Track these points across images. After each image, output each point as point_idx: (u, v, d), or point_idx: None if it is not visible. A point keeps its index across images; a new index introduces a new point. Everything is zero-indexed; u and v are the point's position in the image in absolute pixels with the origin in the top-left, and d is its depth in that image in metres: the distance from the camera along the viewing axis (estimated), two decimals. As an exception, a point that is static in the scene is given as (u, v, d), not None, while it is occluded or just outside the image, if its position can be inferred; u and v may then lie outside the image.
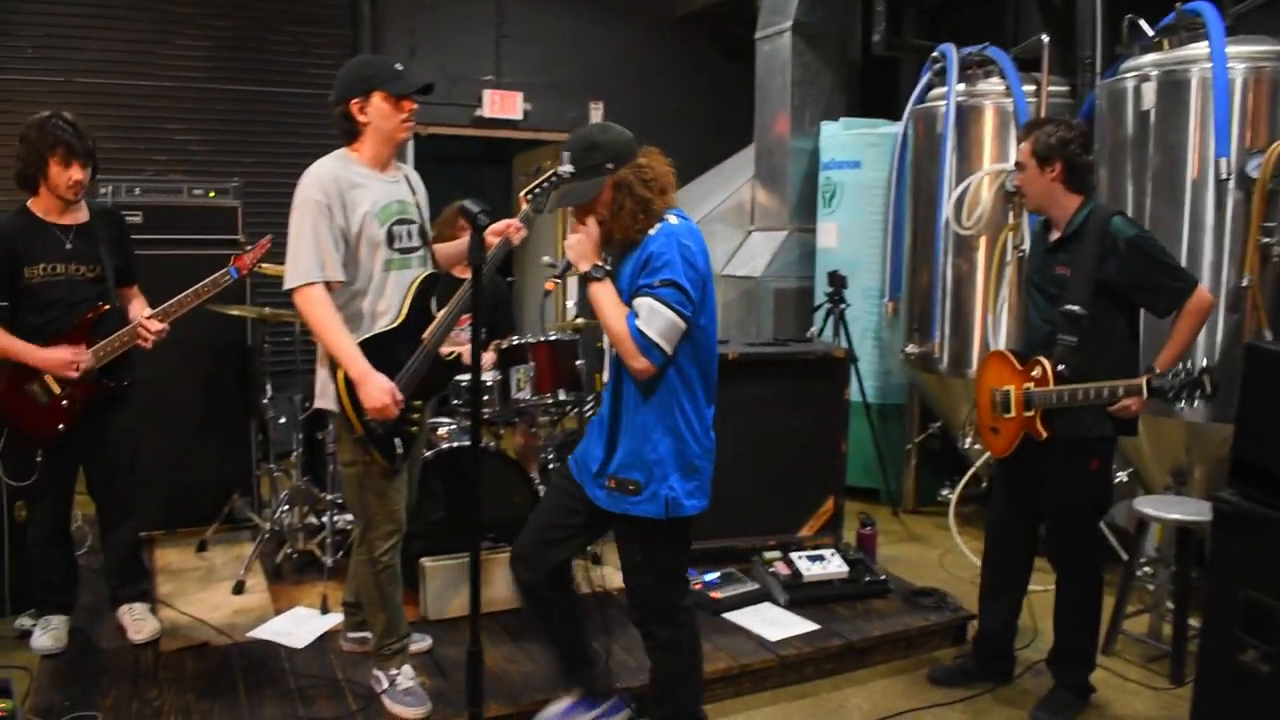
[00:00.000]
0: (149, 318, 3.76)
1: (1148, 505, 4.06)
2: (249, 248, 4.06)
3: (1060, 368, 3.39)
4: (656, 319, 2.73)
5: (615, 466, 2.93)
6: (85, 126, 3.73)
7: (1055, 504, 3.53)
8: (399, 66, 3.29)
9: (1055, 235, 3.51)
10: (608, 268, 2.88)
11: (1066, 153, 3.41)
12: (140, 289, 4.03)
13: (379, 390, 3.10)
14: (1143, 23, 4.59)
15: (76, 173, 3.65)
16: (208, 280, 3.85)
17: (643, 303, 2.75)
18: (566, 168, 2.87)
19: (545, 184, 3.48)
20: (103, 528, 4.04)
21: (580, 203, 2.89)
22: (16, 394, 3.65)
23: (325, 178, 3.18)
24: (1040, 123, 3.58)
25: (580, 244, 2.88)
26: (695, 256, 2.81)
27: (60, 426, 3.71)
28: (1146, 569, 4.25)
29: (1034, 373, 3.46)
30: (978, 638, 3.93)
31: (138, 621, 3.95)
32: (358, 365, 3.10)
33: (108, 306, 3.80)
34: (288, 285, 3.17)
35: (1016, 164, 3.55)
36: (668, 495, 2.89)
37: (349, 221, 3.19)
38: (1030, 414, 3.45)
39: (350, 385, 3.14)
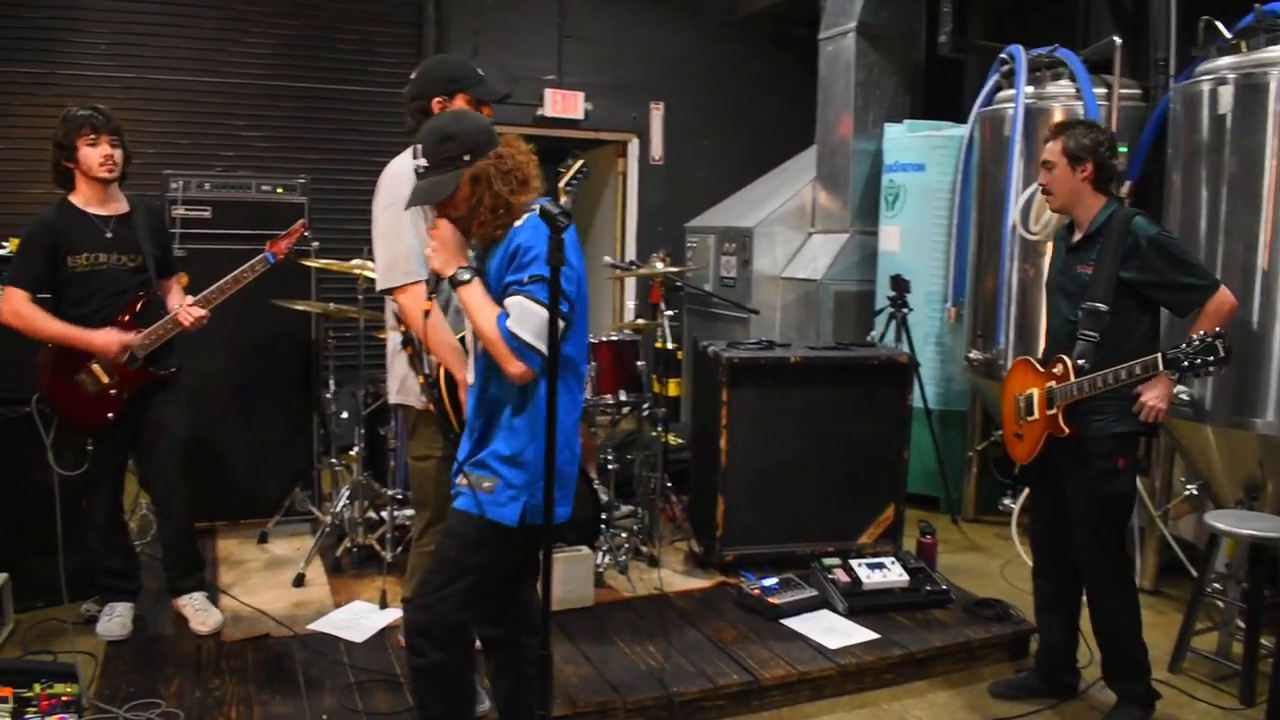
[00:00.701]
0: (191, 304, 3.83)
1: (1219, 520, 3.96)
2: (282, 233, 4.10)
3: (1081, 362, 3.39)
4: (530, 319, 2.48)
5: (475, 461, 2.67)
6: (109, 110, 3.80)
7: (1084, 505, 3.47)
8: (481, 72, 3.34)
9: (1078, 236, 3.53)
10: (475, 265, 2.65)
11: (1098, 154, 3.44)
12: (204, 283, 4.08)
13: None
14: (1219, 24, 4.47)
15: (106, 147, 3.72)
16: (245, 266, 3.93)
17: (513, 302, 2.51)
18: (421, 162, 2.64)
19: (578, 175, 3.51)
20: (159, 518, 4.12)
21: (437, 200, 2.63)
22: (66, 384, 3.73)
23: (413, 174, 3.18)
24: (1071, 124, 3.61)
25: (439, 250, 2.63)
26: (568, 250, 2.51)
27: (109, 415, 3.78)
28: (1216, 585, 4.14)
29: (1055, 370, 3.48)
30: (1039, 651, 3.87)
31: (200, 613, 4.00)
32: (463, 370, 3.03)
33: (150, 295, 3.87)
34: (388, 284, 3.14)
35: (1044, 163, 3.53)
36: (528, 502, 2.62)
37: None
38: (1052, 412, 3.46)
39: (452, 384, 3.07)
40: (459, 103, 3.23)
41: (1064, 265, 3.58)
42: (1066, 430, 3.43)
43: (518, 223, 2.59)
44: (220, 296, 3.89)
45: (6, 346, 3.88)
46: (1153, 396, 3.35)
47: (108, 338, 3.69)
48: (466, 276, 2.58)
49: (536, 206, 2.52)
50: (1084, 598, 3.71)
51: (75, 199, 3.79)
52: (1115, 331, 3.37)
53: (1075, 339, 3.42)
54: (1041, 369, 3.56)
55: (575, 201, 3.19)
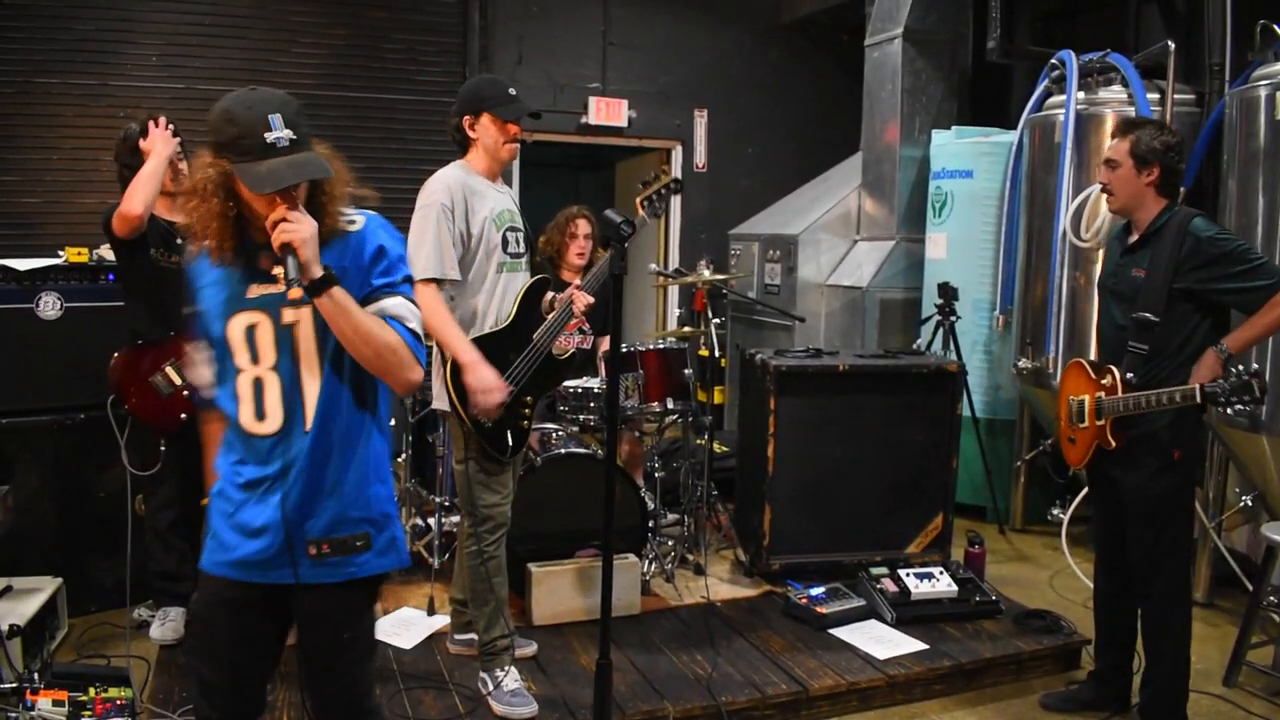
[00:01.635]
0: None
1: (1275, 531, 3.90)
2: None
3: (1129, 375, 3.34)
4: (417, 322, 2.25)
5: (326, 526, 2.23)
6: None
7: (1142, 504, 3.39)
8: (512, 91, 3.45)
9: (1134, 237, 3.45)
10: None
11: (1166, 159, 3.34)
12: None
13: (488, 376, 3.22)
14: (1277, 28, 4.40)
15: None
16: None
17: (398, 303, 2.21)
18: (286, 134, 2.12)
19: (662, 190, 3.63)
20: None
21: (324, 177, 2.14)
22: (140, 386, 3.79)
23: (452, 183, 3.37)
24: (1140, 123, 3.49)
25: (308, 238, 2.06)
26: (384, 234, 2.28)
27: (183, 416, 3.84)
28: (1272, 598, 4.07)
29: (1104, 381, 3.42)
30: (1097, 647, 3.79)
31: None
32: (468, 353, 3.23)
33: None
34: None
35: (1108, 161, 3.42)
36: (400, 537, 2.38)
37: (470, 225, 3.37)
38: (1101, 423, 3.41)
39: (456, 377, 3.26)
40: (485, 121, 3.41)
41: (1117, 267, 3.51)
42: (1114, 443, 3.38)
43: (355, 221, 2.24)
44: None
45: (59, 355, 3.97)
46: (1201, 380, 3.23)
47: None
48: (335, 276, 2.10)
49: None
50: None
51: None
52: (1171, 337, 3.30)
53: (1124, 348, 3.37)
54: (1094, 375, 3.50)
55: (655, 216, 3.25)
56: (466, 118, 3.43)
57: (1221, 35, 5.01)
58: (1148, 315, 3.29)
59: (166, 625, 3.95)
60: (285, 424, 2.19)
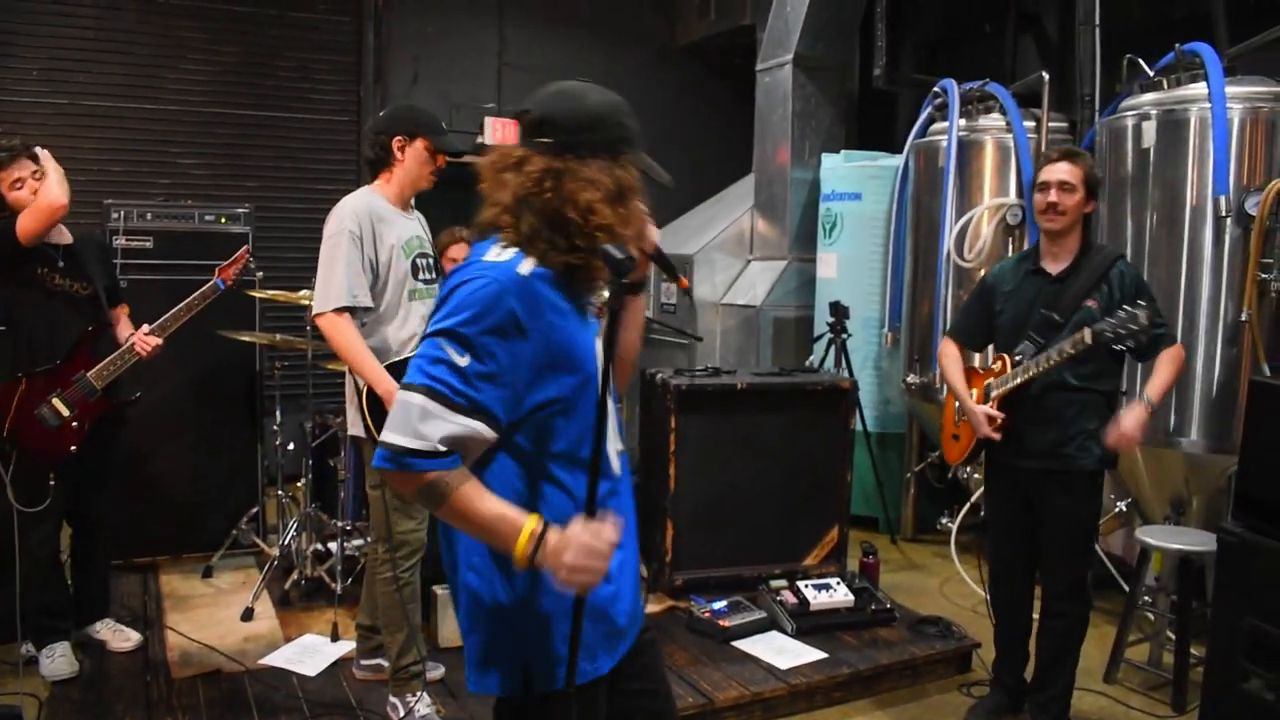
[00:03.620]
0: (147, 332, 3.83)
1: (1149, 535, 4.12)
2: (229, 260, 4.11)
3: (1019, 357, 3.49)
4: None
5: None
6: (22, 141, 3.77)
7: (1068, 526, 3.53)
8: (444, 124, 3.48)
9: (1059, 267, 3.51)
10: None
11: (1099, 194, 3.53)
12: (149, 314, 4.07)
13: None
14: (1142, 62, 4.69)
15: (31, 183, 3.67)
16: (196, 294, 3.96)
17: None
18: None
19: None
20: (85, 550, 4.08)
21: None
22: (26, 418, 3.68)
23: (360, 210, 3.35)
24: (1082, 152, 3.58)
25: None
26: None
27: (71, 448, 3.75)
28: (1146, 598, 4.30)
29: (994, 366, 3.60)
30: (1003, 657, 3.86)
31: (119, 633, 4.09)
32: (385, 383, 3.20)
33: (103, 325, 3.90)
34: (319, 309, 3.29)
35: (1064, 184, 3.43)
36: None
37: (378, 252, 3.36)
38: (987, 405, 3.56)
39: (373, 403, 3.26)
40: (418, 145, 3.39)
41: (1043, 294, 3.52)
42: (999, 418, 3.51)
43: None
44: (174, 324, 3.92)
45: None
46: (1131, 424, 3.33)
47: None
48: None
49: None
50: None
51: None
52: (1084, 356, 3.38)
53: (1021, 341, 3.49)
54: (981, 370, 3.67)
55: None
56: (399, 138, 3.38)
57: (1092, 67, 5.29)
58: (1053, 315, 3.43)
59: (57, 660, 3.82)
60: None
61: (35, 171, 3.69)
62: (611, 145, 1.86)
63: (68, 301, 3.78)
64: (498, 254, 1.83)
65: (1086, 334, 3.27)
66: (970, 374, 3.71)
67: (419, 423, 1.69)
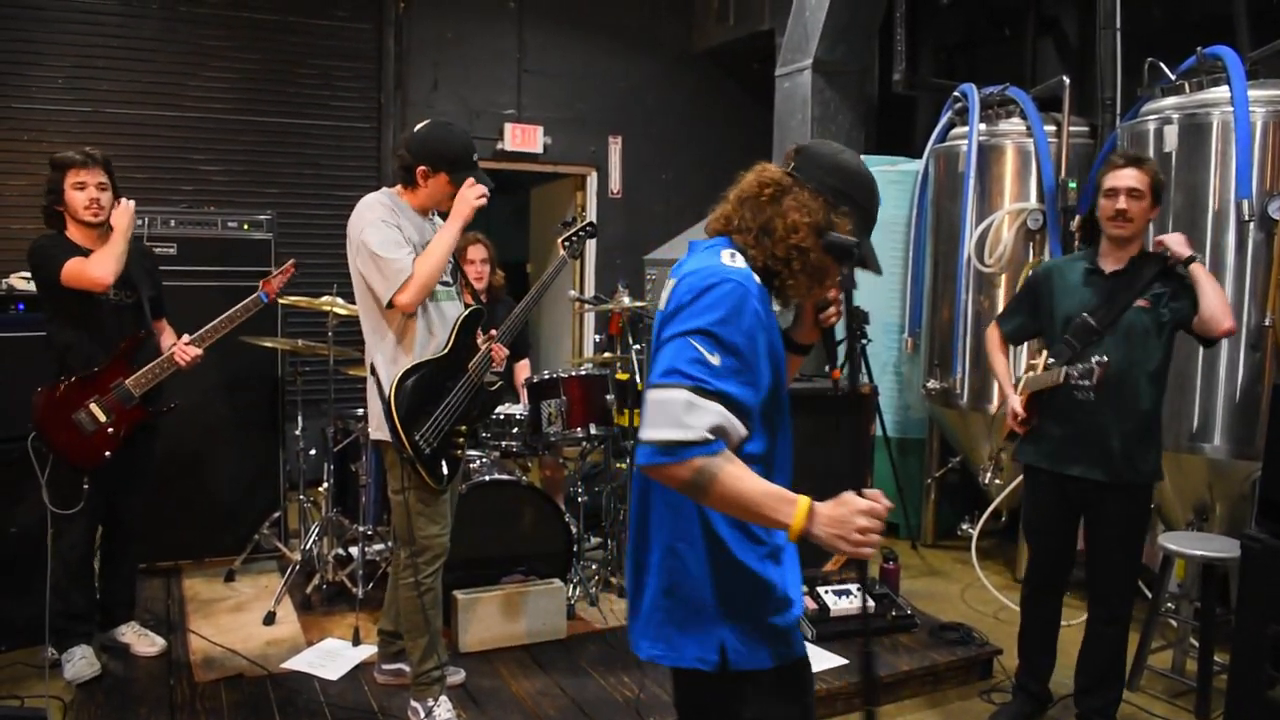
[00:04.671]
0: (187, 342, 3.86)
1: (1172, 541, 4.09)
2: (275, 272, 4.15)
3: (1051, 360, 3.50)
4: None
5: None
6: (103, 154, 3.83)
7: (1121, 542, 3.53)
8: (475, 156, 3.44)
9: (1116, 266, 3.48)
10: None
11: (1164, 195, 3.54)
12: (172, 320, 4.12)
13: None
14: (1163, 65, 4.67)
15: (93, 190, 3.74)
16: (240, 305, 4.00)
17: None
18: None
19: (581, 233, 3.70)
20: (112, 554, 4.12)
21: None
22: (64, 423, 3.71)
23: (384, 204, 3.34)
24: (1148, 159, 3.54)
25: None
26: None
27: (107, 454, 3.78)
28: (1169, 605, 4.28)
29: (1036, 361, 3.61)
30: (1032, 667, 3.81)
31: (144, 638, 4.12)
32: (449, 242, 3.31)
33: (146, 333, 3.92)
34: (389, 298, 3.23)
35: (1131, 190, 3.39)
36: None
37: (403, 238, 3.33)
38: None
39: (399, 401, 3.26)
40: (441, 179, 3.36)
41: (1094, 295, 3.49)
42: (1022, 415, 3.56)
43: None
44: (214, 335, 3.96)
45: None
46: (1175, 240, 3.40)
47: None
48: None
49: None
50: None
51: (70, 236, 3.80)
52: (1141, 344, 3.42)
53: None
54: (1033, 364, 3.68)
55: (574, 257, 3.29)
56: (423, 167, 3.34)
57: (1112, 71, 5.28)
58: (1090, 320, 3.42)
59: (79, 663, 3.84)
60: None
61: (101, 184, 3.76)
62: (838, 194, 2.03)
63: (112, 309, 3.82)
64: (731, 259, 1.96)
65: (1061, 373, 3.36)
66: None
67: (684, 415, 1.76)
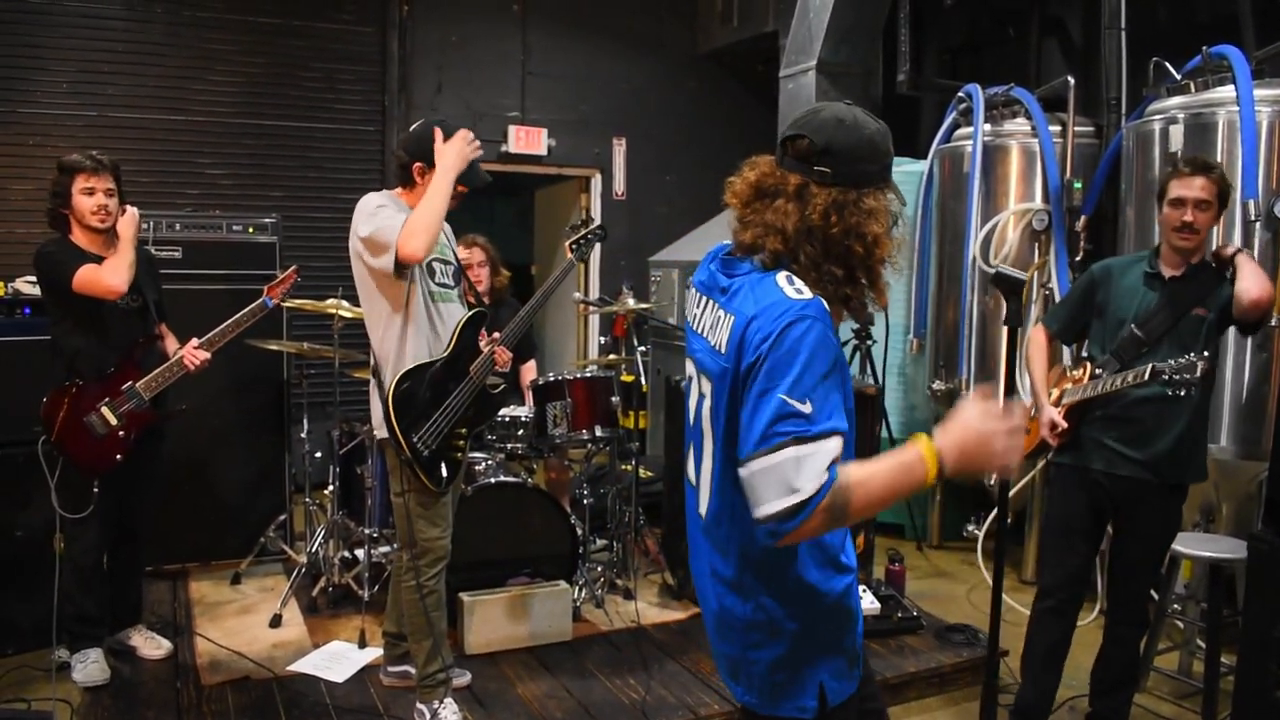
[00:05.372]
0: (195, 346, 3.86)
1: (1179, 542, 4.06)
2: (278, 278, 4.16)
3: (1098, 370, 3.44)
4: None
5: None
6: (112, 161, 3.84)
7: (1152, 545, 3.52)
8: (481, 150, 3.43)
9: (1175, 272, 3.39)
10: None
11: (1228, 199, 3.39)
12: (178, 323, 4.12)
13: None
14: (1169, 65, 4.66)
15: (101, 198, 3.75)
16: (246, 310, 3.99)
17: None
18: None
19: (589, 236, 3.70)
20: (121, 558, 4.11)
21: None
22: (75, 426, 3.72)
23: (383, 203, 3.31)
24: (1214, 163, 3.39)
25: None
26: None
27: (118, 457, 3.79)
28: (1176, 606, 4.27)
29: (1077, 373, 3.54)
30: (1033, 695, 3.68)
31: (151, 640, 4.12)
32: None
33: (152, 337, 3.94)
34: (395, 253, 3.14)
35: (1200, 202, 3.27)
36: None
37: None
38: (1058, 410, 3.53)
39: (398, 402, 3.25)
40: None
41: (1151, 299, 3.39)
42: (1062, 426, 3.48)
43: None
44: (222, 340, 3.97)
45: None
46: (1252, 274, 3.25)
47: None
48: None
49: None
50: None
51: (75, 240, 3.80)
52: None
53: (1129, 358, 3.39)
54: (1068, 373, 3.61)
55: (581, 259, 3.28)
56: (418, 165, 3.33)
57: (1117, 71, 5.26)
58: (1139, 333, 3.34)
59: (90, 666, 3.85)
60: None
61: (109, 190, 3.77)
62: (883, 174, 1.88)
63: (120, 313, 3.82)
64: (796, 291, 1.79)
65: (1149, 369, 3.22)
66: (1060, 374, 3.65)
67: (794, 475, 1.68)
